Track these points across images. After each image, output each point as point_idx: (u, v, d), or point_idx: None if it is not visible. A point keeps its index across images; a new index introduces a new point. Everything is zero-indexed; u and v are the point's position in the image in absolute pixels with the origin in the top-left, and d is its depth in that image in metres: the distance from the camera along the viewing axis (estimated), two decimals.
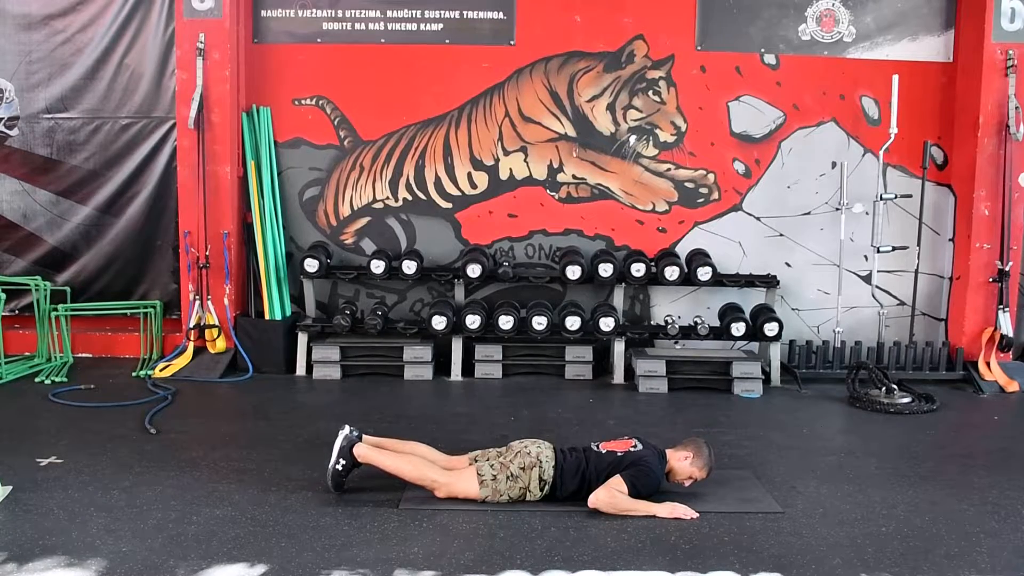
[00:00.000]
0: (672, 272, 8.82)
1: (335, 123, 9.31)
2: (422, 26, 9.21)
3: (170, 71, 9.09)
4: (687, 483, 5.53)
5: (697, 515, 5.17)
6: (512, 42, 9.20)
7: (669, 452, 5.56)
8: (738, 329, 8.67)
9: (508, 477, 5.32)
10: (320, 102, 9.30)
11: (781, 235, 9.37)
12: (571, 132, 9.28)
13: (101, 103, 9.23)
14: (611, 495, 5.20)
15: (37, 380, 8.29)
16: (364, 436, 5.57)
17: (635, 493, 5.23)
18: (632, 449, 5.47)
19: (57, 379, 8.30)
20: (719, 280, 8.98)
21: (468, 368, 8.96)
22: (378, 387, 8.48)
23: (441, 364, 8.96)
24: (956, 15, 9.18)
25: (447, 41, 9.23)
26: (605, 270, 8.82)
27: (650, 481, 5.33)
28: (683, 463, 5.49)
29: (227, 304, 8.95)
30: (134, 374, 8.58)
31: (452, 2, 9.17)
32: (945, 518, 5.26)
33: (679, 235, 9.39)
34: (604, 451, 5.47)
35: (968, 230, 9.03)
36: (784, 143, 9.29)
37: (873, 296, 9.00)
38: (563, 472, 5.35)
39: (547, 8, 9.18)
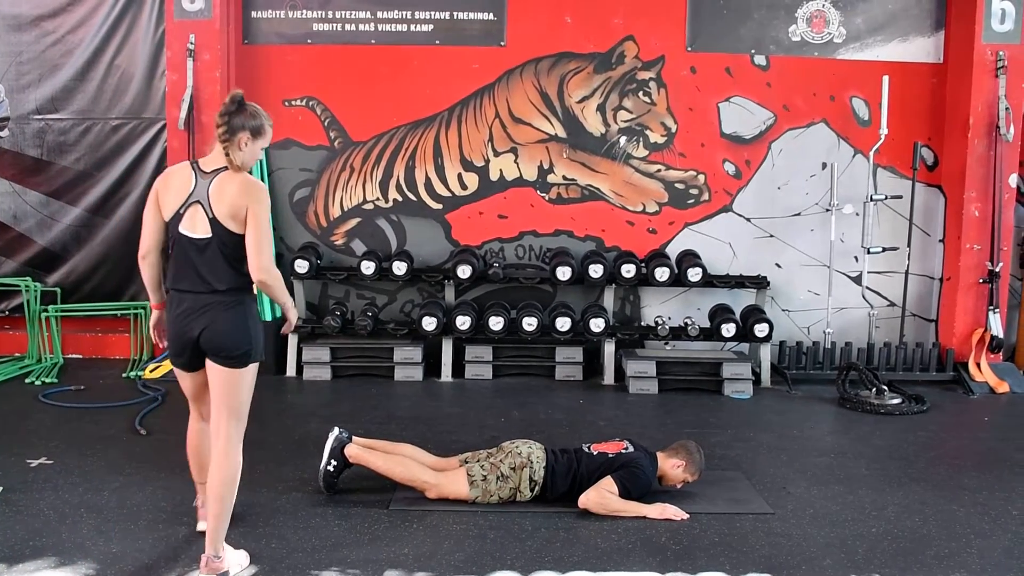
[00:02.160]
0: (662, 273, 8.82)
1: (325, 124, 9.31)
2: (412, 27, 9.21)
3: (160, 72, 9.08)
4: (679, 486, 5.55)
5: (687, 516, 5.17)
6: (502, 43, 9.21)
7: (660, 456, 5.56)
8: (728, 330, 8.68)
9: (498, 477, 5.32)
10: (310, 103, 9.29)
11: (771, 236, 9.38)
12: (561, 133, 9.28)
13: (91, 104, 9.22)
14: (601, 496, 5.20)
15: (27, 381, 8.27)
16: (354, 437, 5.57)
17: (625, 494, 5.24)
18: (623, 451, 5.47)
19: (47, 380, 8.29)
20: (709, 281, 9.00)
21: (458, 369, 8.96)
22: (368, 388, 8.48)
23: (431, 365, 8.95)
24: (946, 16, 9.20)
25: (437, 42, 9.23)
26: (595, 271, 8.83)
27: (641, 483, 5.33)
28: (676, 470, 5.51)
29: None
30: (124, 375, 8.57)
31: (442, 3, 9.17)
32: (935, 519, 5.27)
33: (669, 236, 9.40)
34: (595, 453, 5.48)
35: (958, 231, 9.05)
36: (774, 144, 9.31)
37: (863, 297, 9.03)
38: (554, 473, 5.36)
39: (537, 9, 9.18)
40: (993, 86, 8.83)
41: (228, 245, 4.30)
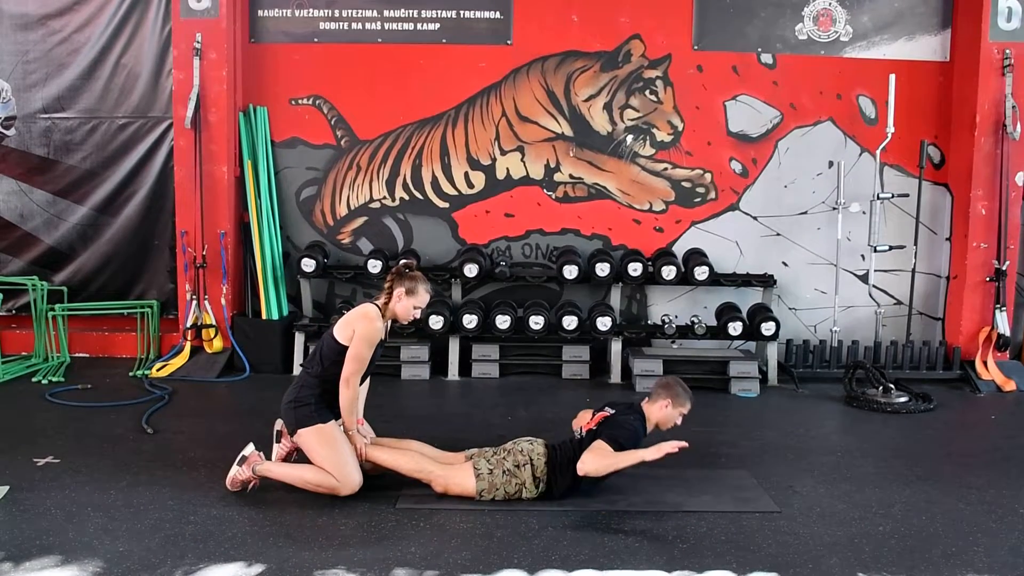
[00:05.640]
0: (669, 272, 8.82)
1: (332, 123, 9.31)
2: (419, 26, 9.22)
3: (167, 71, 9.09)
4: (679, 422, 5.55)
5: (686, 444, 5.14)
6: (509, 42, 9.21)
7: (645, 405, 5.57)
8: (735, 328, 8.67)
9: (504, 472, 5.33)
10: (317, 102, 9.30)
11: (778, 234, 9.37)
12: (568, 132, 9.28)
13: (98, 103, 9.23)
14: (596, 455, 5.18)
15: (34, 380, 8.28)
16: None
17: (619, 449, 5.23)
18: (606, 417, 5.48)
19: (54, 379, 8.30)
20: (716, 280, 8.99)
21: (465, 368, 8.96)
22: (375, 387, 8.39)
23: (438, 364, 8.96)
24: (953, 14, 9.19)
25: (444, 41, 9.23)
26: (602, 270, 8.82)
27: (629, 433, 5.34)
28: (665, 411, 5.51)
29: (224, 304, 8.96)
30: (131, 374, 8.58)
31: (449, 2, 9.18)
32: (942, 517, 5.26)
33: (676, 234, 9.39)
34: (585, 432, 5.49)
35: (965, 229, 9.04)
36: (781, 142, 9.30)
37: (870, 295, 9.01)
38: (556, 466, 5.36)
39: (544, 8, 9.18)
40: (1000, 84, 8.81)
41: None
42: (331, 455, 5.33)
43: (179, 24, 8.84)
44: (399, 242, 9.43)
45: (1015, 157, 8.86)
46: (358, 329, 5.41)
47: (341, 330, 5.46)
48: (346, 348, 5.41)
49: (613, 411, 5.55)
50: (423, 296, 5.64)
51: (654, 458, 5.14)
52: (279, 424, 5.76)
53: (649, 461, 5.16)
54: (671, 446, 5.13)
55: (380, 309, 5.55)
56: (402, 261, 8.71)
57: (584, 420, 5.71)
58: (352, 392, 5.42)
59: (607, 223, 9.38)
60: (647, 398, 5.64)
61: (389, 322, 5.71)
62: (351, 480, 5.30)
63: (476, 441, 6.16)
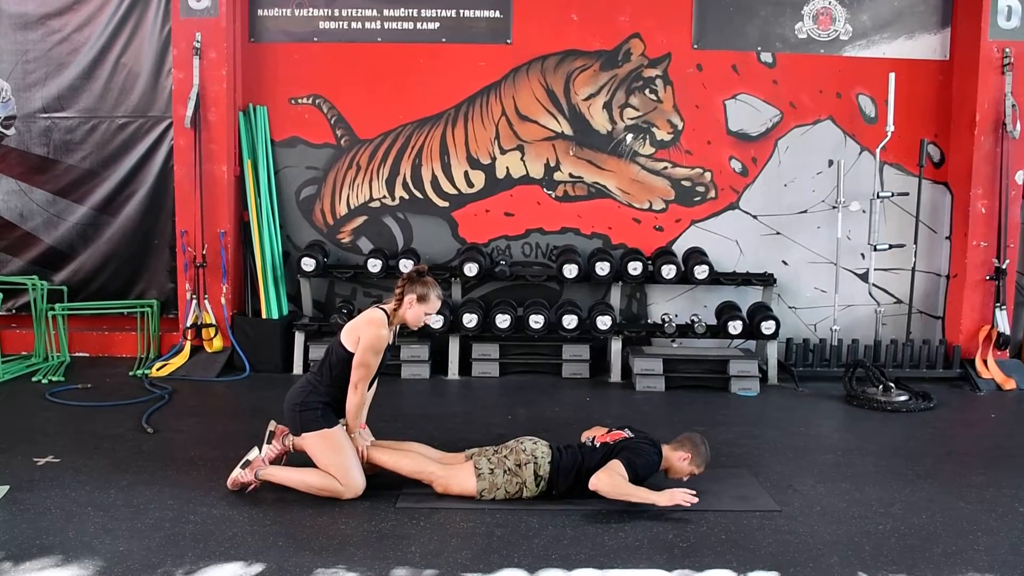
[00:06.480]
0: (669, 271, 8.82)
1: (332, 122, 9.31)
2: (418, 25, 9.21)
3: (167, 70, 9.09)
4: (685, 479, 5.55)
5: (697, 499, 5.15)
6: (509, 41, 9.20)
7: (666, 448, 5.56)
8: (735, 327, 8.67)
9: (505, 471, 5.33)
10: (317, 101, 9.29)
11: (778, 233, 9.37)
12: (568, 131, 9.28)
13: (98, 102, 9.23)
14: (612, 477, 5.19)
15: (34, 379, 8.28)
16: None
17: (634, 476, 5.25)
18: (625, 438, 5.49)
19: (54, 378, 8.30)
20: (716, 278, 8.99)
21: (465, 367, 8.96)
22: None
23: (438, 363, 8.96)
24: (953, 13, 9.19)
25: (443, 40, 9.23)
26: (602, 269, 8.82)
27: (646, 462, 5.35)
28: (682, 463, 5.50)
29: (224, 303, 8.95)
30: (131, 373, 8.58)
31: (449, 1, 9.17)
32: (942, 516, 5.26)
33: (676, 233, 9.39)
34: (598, 444, 5.49)
35: (965, 228, 9.03)
36: (781, 141, 9.30)
37: (870, 294, 9.00)
38: (559, 469, 5.36)
39: (544, 7, 9.18)
40: (999, 83, 8.81)
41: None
42: (336, 459, 5.34)
43: (179, 23, 8.84)
44: (399, 241, 9.42)
45: (1015, 155, 8.86)
46: (363, 337, 5.37)
47: (348, 336, 5.44)
48: (352, 354, 5.39)
49: (633, 435, 5.55)
50: (435, 303, 5.53)
51: (664, 504, 5.14)
52: (272, 425, 5.75)
53: (659, 507, 5.17)
54: (684, 498, 5.15)
55: (388, 315, 5.47)
56: (401, 264, 8.86)
57: (597, 433, 5.72)
58: (359, 397, 5.45)
59: (607, 222, 9.38)
60: (671, 441, 5.62)
61: (397, 327, 5.66)
62: (355, 484, 5.32)
63: (476, 440, 6.17)
